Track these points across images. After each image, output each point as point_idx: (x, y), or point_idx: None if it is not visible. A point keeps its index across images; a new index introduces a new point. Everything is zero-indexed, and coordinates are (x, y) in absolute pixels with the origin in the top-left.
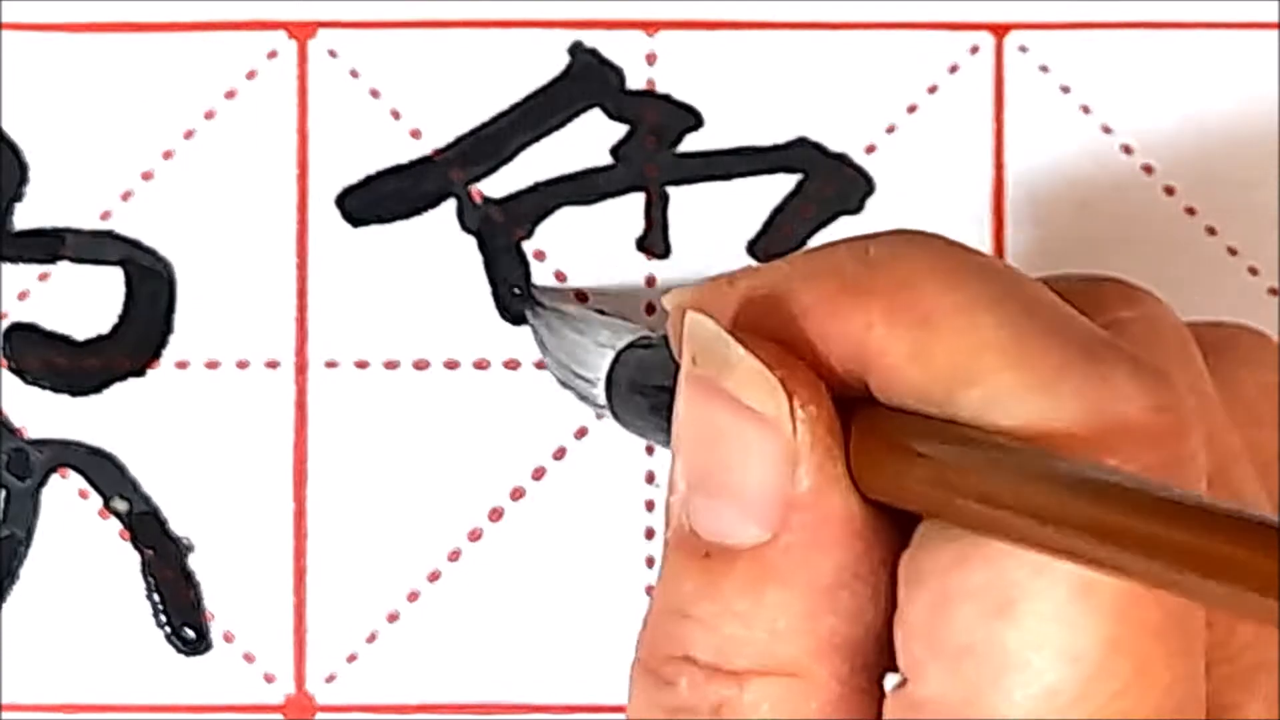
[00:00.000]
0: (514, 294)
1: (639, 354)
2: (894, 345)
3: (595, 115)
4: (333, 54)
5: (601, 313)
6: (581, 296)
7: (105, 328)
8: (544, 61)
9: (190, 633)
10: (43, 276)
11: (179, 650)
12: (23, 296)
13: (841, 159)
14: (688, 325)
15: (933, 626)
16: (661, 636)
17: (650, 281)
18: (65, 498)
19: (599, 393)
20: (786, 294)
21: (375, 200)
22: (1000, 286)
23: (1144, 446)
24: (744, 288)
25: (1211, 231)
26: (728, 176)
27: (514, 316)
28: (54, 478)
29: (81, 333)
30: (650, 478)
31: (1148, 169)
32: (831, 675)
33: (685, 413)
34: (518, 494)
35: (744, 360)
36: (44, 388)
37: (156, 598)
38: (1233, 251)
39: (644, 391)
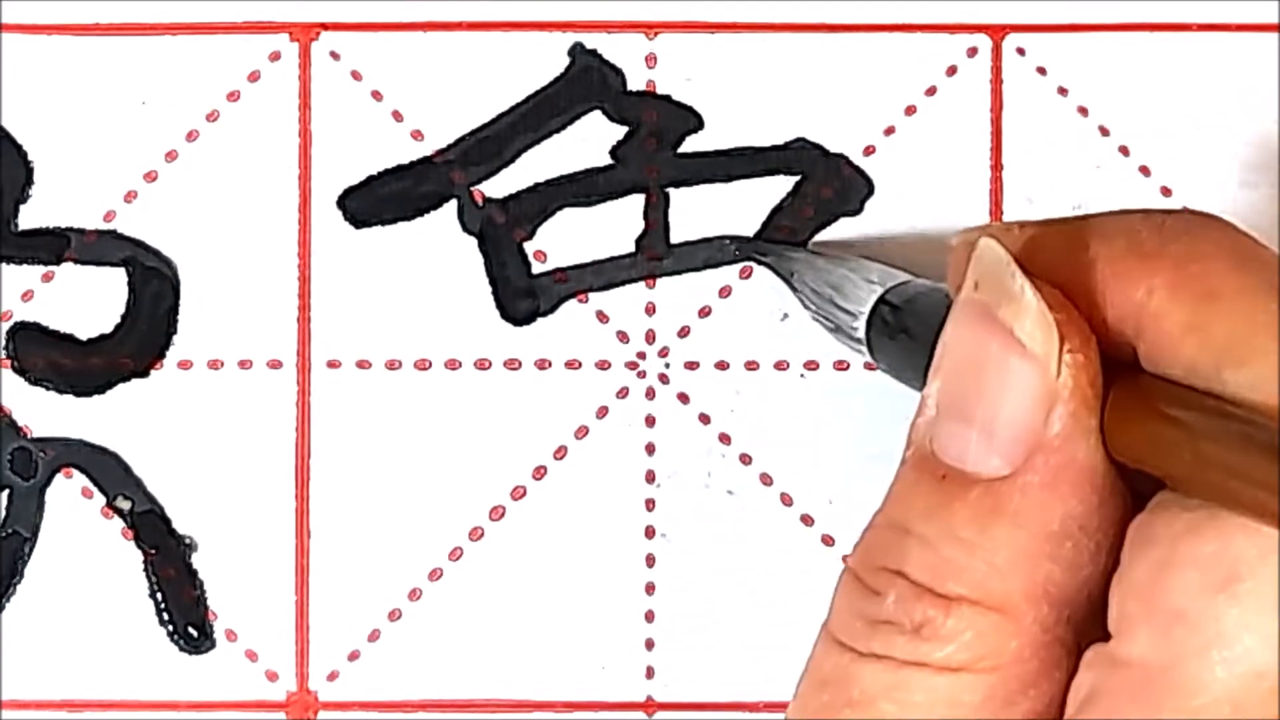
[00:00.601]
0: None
1: (909, 293)
2: (1173, 313)
3: (596, 117)
4: (335, 56)
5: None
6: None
7: (109, 328)
8: (545, 63)
9: (193, 631)
10: (47, 277)
11: (182, 648)
12: (27, 297)
13: (840, 160)
14: (979, 249)
15: (1153, 588)
16: (879, 547)
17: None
18: (69, 497)
19: (859, 325)
20: (1077, 244)
21: (377, 201)
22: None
23: None
24: (1035, 230)
25: None
26: (727, 178)
27: (515, 318)
28: (58, 477)
29: (85, 333)
30: (650, 477)
31: (1145, 170)
32: (1037, 620)
33: (954, 335)
34: (519, 493)
35: (1025, 293)
36: (48, 387)
37: (159, 596)
38: None
39: (907, 329)
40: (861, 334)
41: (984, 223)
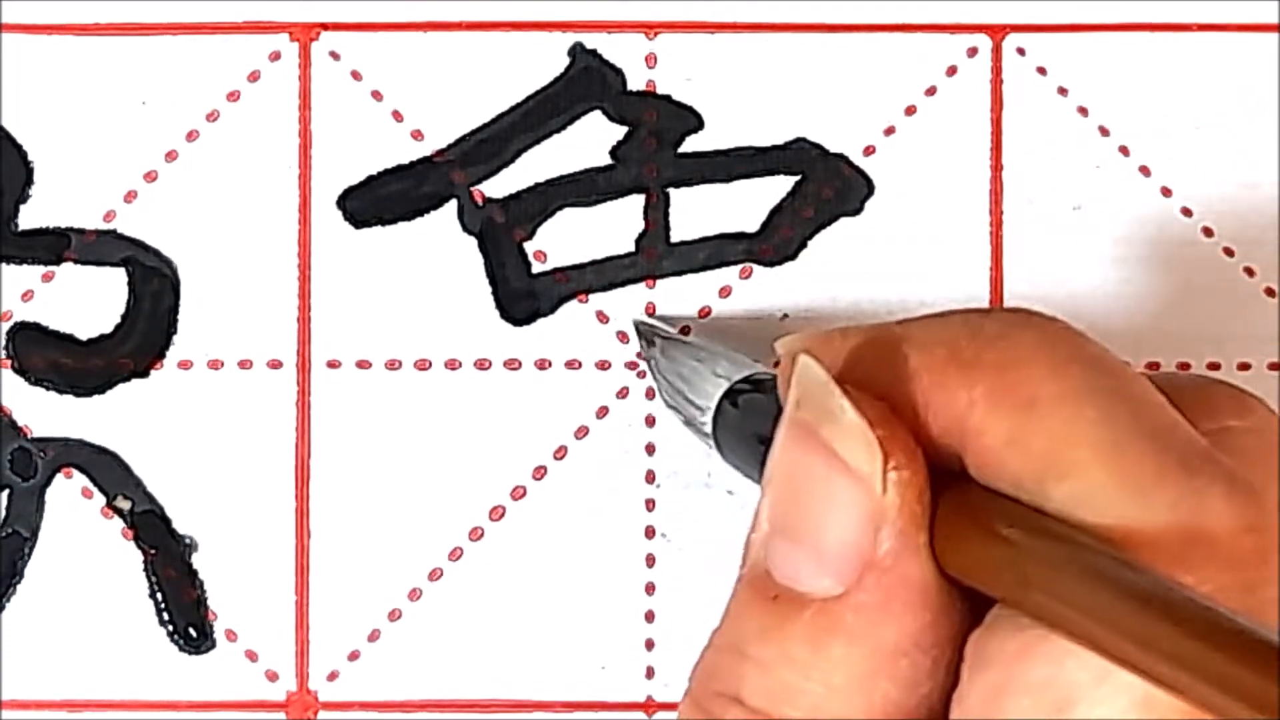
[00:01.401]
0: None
1: (750, 394)
2: (993, 426)
3: (596, 117)
4: (335, 56)
5: (722, 348)
6: (685, 331)
7: (109, 328)
8: (545, 63)
9: (193, 631)
10: (47, 277)
11: (182, 648)
12: (27, 297)
13: (840, 160)
14: (797, 368)
15: (988, 713)
16: (715, 671)
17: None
18: (69, 497)
19: (706, 421)
20: (897, 355)
21: (377, 201)
22: (1108, 381)
23: (1225, 567)
24: (856, 341)
25: (1208, 232)
26: (727, 178)
27: (515, 318)
28: (58, 477)
29: (85, 333)
30: (650, 477)
31: (1145, 170)
32: None
33: (780, 455)
34: (519, 493)
35: (846, 412)
36: (48, 387)
37: (159, 596)
38: (1229, 252)
39: (748, 430)
40: (709, 430)
41: (807, 331)
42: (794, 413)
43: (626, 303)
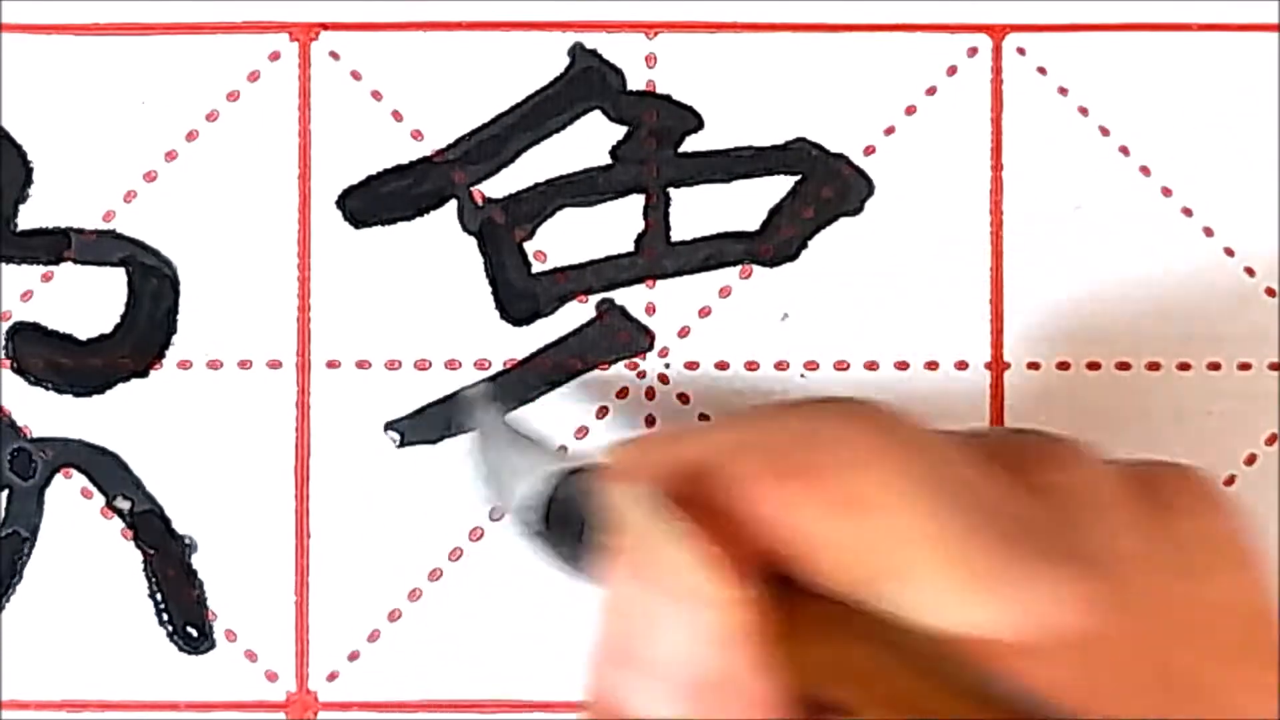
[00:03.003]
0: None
1: (567, 488)
2: (826, 531)
3: (595, 116)
4: (335, 56)
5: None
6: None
7: (108, 328)
8: (545, 63)
9: (193, 631)
10: (46, 277)
11: (181, 648)
12: (26, 297)
13: (841, 160)
14: (623, 498)
15: None
16: None
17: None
18: (68, 497)
19: (523, 517)
20: (723, 464)
21: (377, 201)
22: (937, 470)
23: (1065, 659)
24: (682, 451)
25: (1209, 232)
26: (727, 177)
27: (515, 318)
28: (57, 477)
29: (85, 333)
30: None
31: (1145, 170)
32: None
33: (613, 583)
34: None
35: (677, 538)
36: (47, 387)
37: (159, 596)
38: (1229, 252)
39: (570, 530)
40: (527, 526)
41: (632, 439)
42: (625, 541)
43: (626, 303)
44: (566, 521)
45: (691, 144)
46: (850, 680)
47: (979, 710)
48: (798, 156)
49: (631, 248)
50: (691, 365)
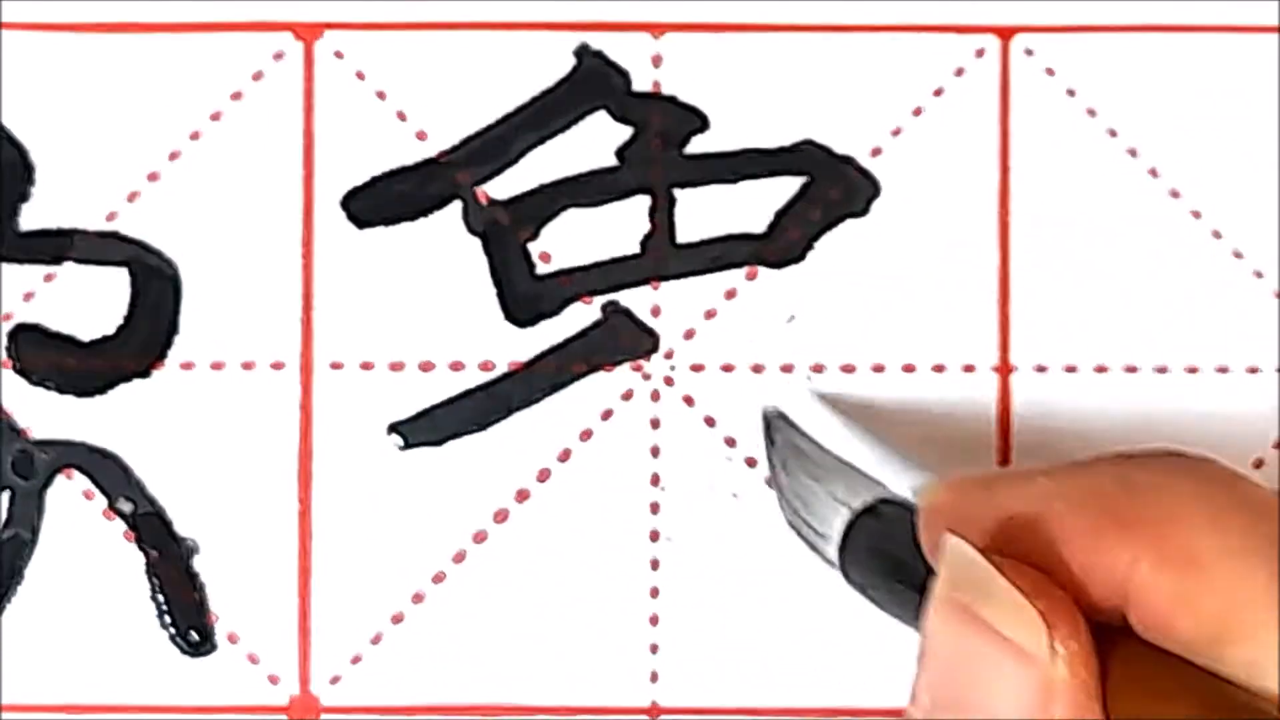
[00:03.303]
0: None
1: (877, 524)
2: (1159, 586)
3: (601, 117)
4: (339, 56)
5: (838, 460)
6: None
7: (110, 329)
8: (550, 64)
9: (195, 634)
10: (48, 277)
11: (183, 651)
12: (28, 297)
13: (847, 162)
14: (946, 550)
15: None
16: None
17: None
18: (70, 499)
19: (829, 548)
20: (1047, 515)
21: (381, 202)
22: (1272, 529)
23: None
24: (1002, 502)
25: (1217, 235)
26: (733, 179)
27: (519, 319)
28: (59, 479)
29: (87, 334)
30: (655, 480)
31: (1153, 172)
32: None
33: (938, 633)
34: (522, 495)
35: (1004, 590)
36: (49, 389)
37: (161, 599)
38: (1238, 255)
39: (884, 567)
40: (833, 557)
41: (947, 481)
42: (948, 592)
43: (632, 305)
44: (870, 555)
45: (697, 145)
46: None
47: None
48: (804, 158)
49: (637, 249)
50: (697, 367)
